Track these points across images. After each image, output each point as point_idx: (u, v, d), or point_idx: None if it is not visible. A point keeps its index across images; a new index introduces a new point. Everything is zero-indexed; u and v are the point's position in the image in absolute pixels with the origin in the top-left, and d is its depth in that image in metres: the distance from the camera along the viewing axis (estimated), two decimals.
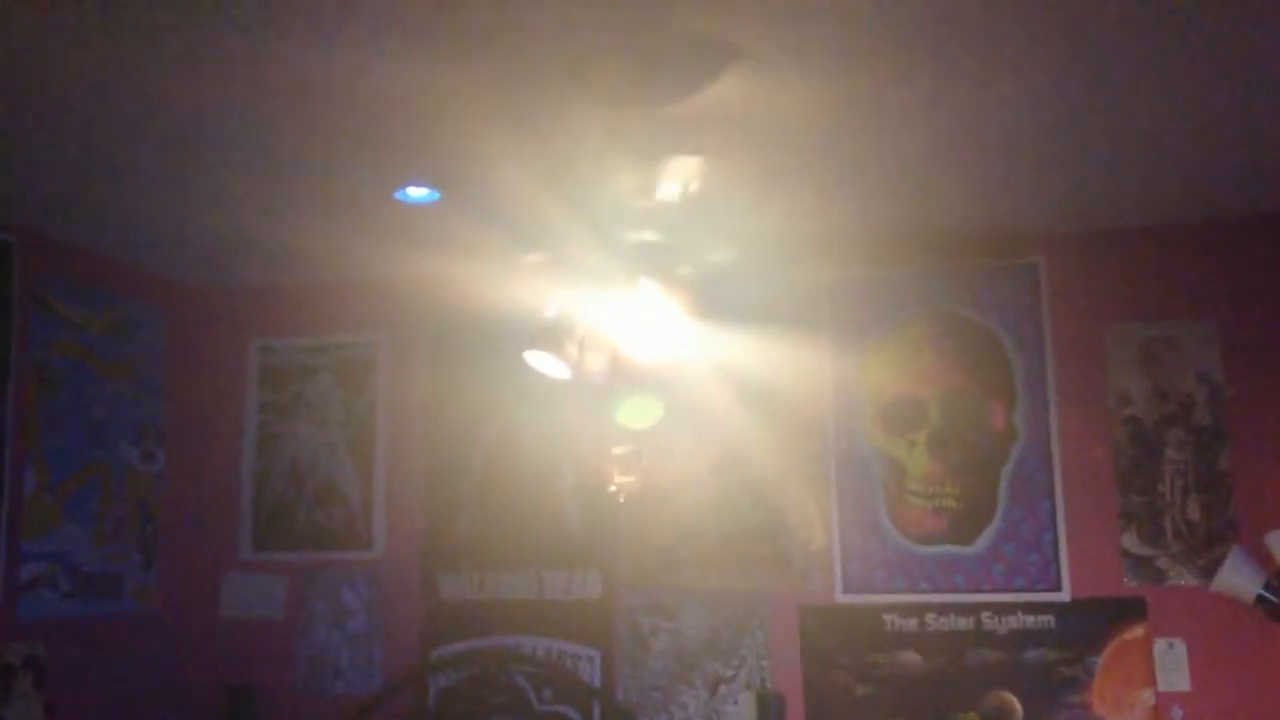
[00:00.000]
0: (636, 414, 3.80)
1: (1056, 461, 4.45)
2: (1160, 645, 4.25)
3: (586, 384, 3.49)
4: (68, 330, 4.57)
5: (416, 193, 4.00)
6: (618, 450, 3.78)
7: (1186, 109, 3.40)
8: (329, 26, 2.79)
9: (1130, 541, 4.35)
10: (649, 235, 3.39)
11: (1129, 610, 4.29)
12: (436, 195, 4.02)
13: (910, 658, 4.45)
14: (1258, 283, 4.38)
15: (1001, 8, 2.77)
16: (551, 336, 3.20)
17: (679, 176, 3.25)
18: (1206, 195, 4.21)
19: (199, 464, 5.21)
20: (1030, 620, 4.36)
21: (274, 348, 5.27)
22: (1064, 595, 4.36)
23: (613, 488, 3.76)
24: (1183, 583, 4.28)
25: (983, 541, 4.47)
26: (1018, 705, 4.32)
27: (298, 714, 4.88)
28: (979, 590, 4.43)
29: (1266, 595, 4.08)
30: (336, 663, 4.95)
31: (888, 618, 4.49)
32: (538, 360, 3.23)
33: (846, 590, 4.57)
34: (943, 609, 4.45)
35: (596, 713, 4.68)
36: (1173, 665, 4.23)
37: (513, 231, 3.95)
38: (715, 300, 3.64)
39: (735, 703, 4.58)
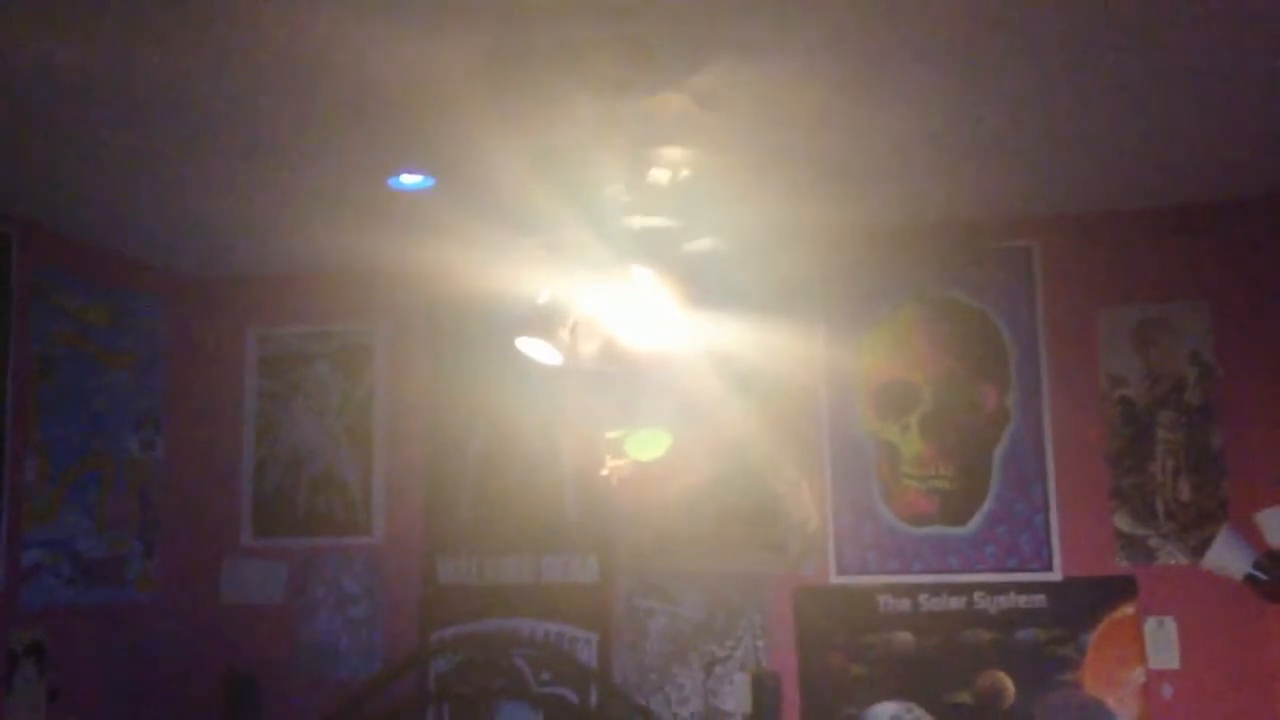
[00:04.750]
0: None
1: (1049, 442, 4.49)
2: (1151, 624, 4.29)
3: (580, 369, 3.52)
4: (67, 320, 4.60)
5: (411, 180, 4.02)
6: (611, 434, 3.82)
7: (1177, 92, 3.41)
8: (322, 13, 2.81)
9: (1122, 521, 4.38)
10: (642, 221, 3.41)
11: (1120, 589, 4.33)
12: (431, 182, 4.04)
13: (904, 638, 4.49)
14: (1249, 264, 4.40)
15: None
16: (543, 322, 3.23)
17: (668, 165, 3.29)
18: (1197, 178, 4.23)
19: (199, 452, 5.24)
20: (1022, 600, 4.40)
21: (272, 336, 5.30)
22: (1056, 575, 4.40)
23: (605, 471, 3.80)
24: (1173, 562, 4.32)
25: (975, 522, 4.51)
26: (1010, 684, 4.36)
27: (298, 698, 4.91)
28: (971, 570, 4.47)
29: (1256, 574, 4.13)
30: (337, 647, 4.99)
31: (881, 598, 4.53)
32: (529, 346, 3.26)
33: (841, 572, 4.60)
34: (936, 589, 4.48)
35: (594, 694, 4.73)
36: (1163, 643, 4.27)
37: (507, 218, 3.97)
38: (709, 286, 3.67)
39: (731, 683, 4.62)
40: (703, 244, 3.55)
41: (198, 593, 5.14)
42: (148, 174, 3.97)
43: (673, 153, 3.52)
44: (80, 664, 4.57)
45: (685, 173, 3.52)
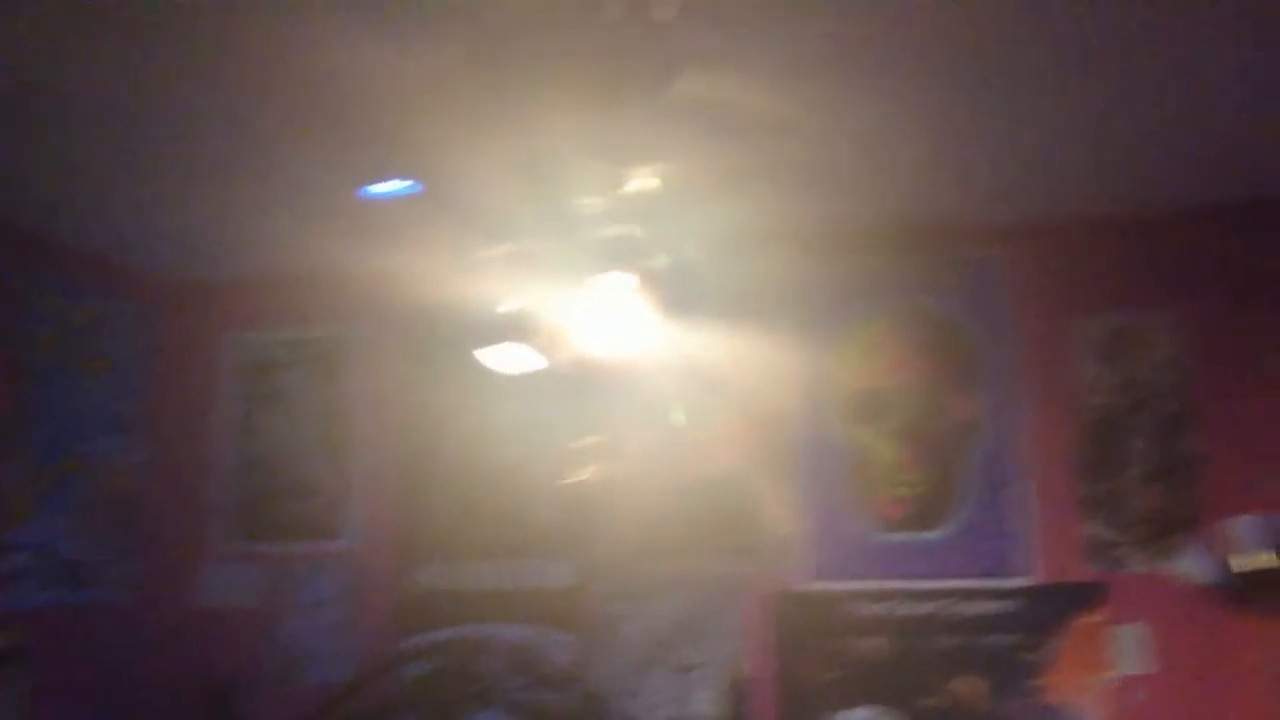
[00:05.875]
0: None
1: (1021, 450, 4.51)
2: (1122, 630, 4.31)
3: (553, 376, 3.54)
4: (48, 323, 4.61)
5: (387, 188, 4.04)
6: (580, 442, 3.84)
7: (1148, 102, 3.45)
8: (303, 22, 2.83)
9: (1093, 528, 4.41)
10: (617, 230, 3.43)
11: (1091, 595, 4.35)
12: (407, 190, 4.05)
13: (876, 643, 4.51)
14: (1221, 272, 4.42)
15: (960, 5, 2.82)
16: (511, 330, 3.25)
17: (644, 174, 3.31)
18: (1168, 186, 4.26)
19: (177, 456, 5.24)
20: (994, 606, 4.42)
21: (250, 341, 5.31)
22: (1028, 581, 4.42)
23: (573, 478, 3.82)
24: (1145, 568, 4.34)
25: (948, 528, 4.53)
26: (982, 689, 4.38)
27: (274, 703, 4.91)
28: (944, 576, 4.49)
29: (1226, 580, 4.15)
30: (312, 652, 4.99)
31: (855, 604, 4.55)
32: (489, 356, 3.28)
33: (815, 577, 4.63)
34: (908, 595, 4.50)
35: (569, 699, 4.73)
36: (1134, 650, 4.29)
37: (482, 226, 3.99)
38: (682, 293, 3.69)
39: (705, 688, 4.63)
40: (676, 253, 3.58)
41: (175, 596, 5.14)
42: (128, 179, 3.98)
43: (648, 162, 3.55)
44: (58, 666, 4.57)
45: (659, 181, 3.54)
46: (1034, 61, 3.16)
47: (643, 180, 3.47)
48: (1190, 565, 4.21)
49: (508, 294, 3.46)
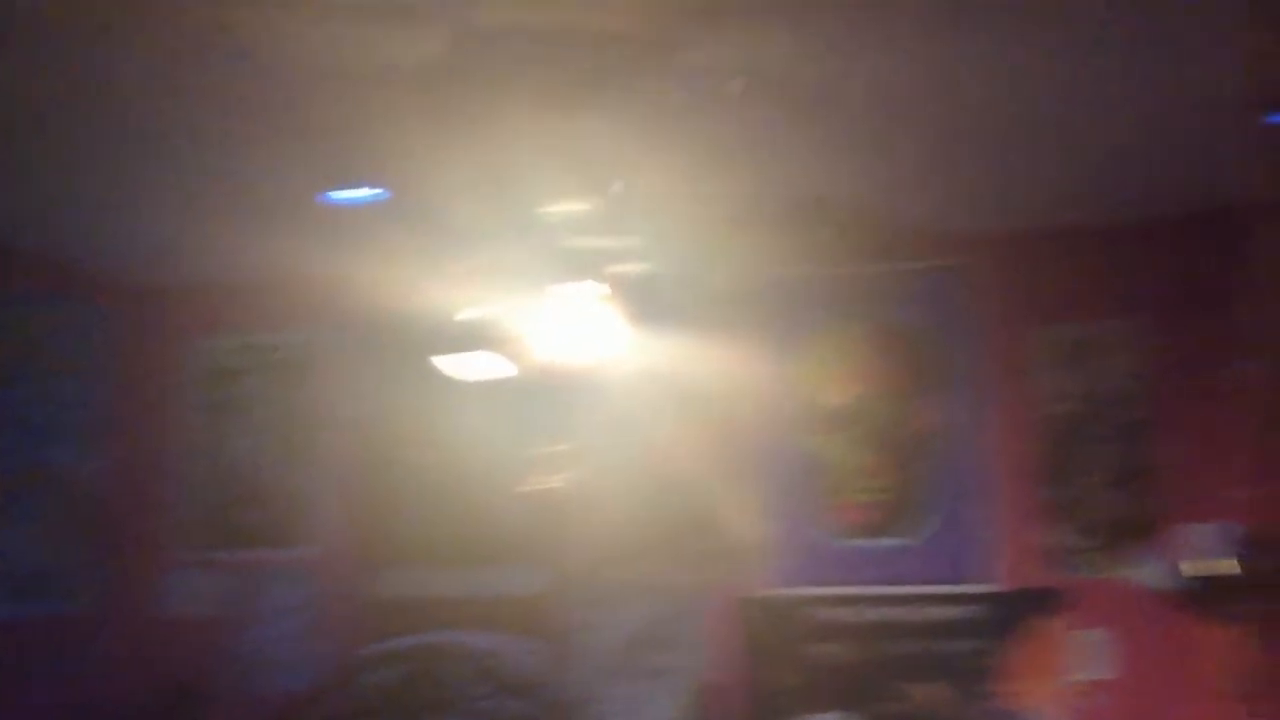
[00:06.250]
0: None
1: (985, 457, 4.55)
2: (1084, 635, 4.35)
3: (521, 383, 3.55)
4: (7, 329, 4.56)
5: (352, 194, 4.03)
6: (546, 449, 3.84)
7: (1108, 114, 3.49)
8: (268, 29, 2.83)
9: (1056, 534, 4.45)
10: (585, 238, 3.44)
11: (1052, 601, 4.39)
12: (372, 197, 4.05)
13: (841, 649, 4.53)
14: (1183, 283, 4.46)
15: (922, 19, 2.85)
16: (474, 338, 3.25)
17: (612, 182, 3.32)
18: (1129, 198, 4.31)
19: (139, 463, 5.20)
20: (956, 611, 4.45)
21: (213, 347, 5.28)
22: (991, 587, 4.46)
23: (537, 485, 3.82)
24: (1106, 575, 4.39)
25: (911, 535, 4.57)
26: (946, 694, 4.41)
27: (236, 711, 4.88)
28: (908, 582, 4.52)
29: (1187, 587, 4.20)
30: (275, 660, 4.96)
31: (820, 610, 4.57)
32: (454, 363, 3.28)
33: (781, 583, 4.65)
34: (873, 601, 4.53)
35: (535, 707, 4.73)
36: (1096, 655, 4.34)
37: (448, 233, 3.98)
38: (650, 302, 3.70)
39: (671, 695, 4.64)
40: (643, 262, 3.59)
41: (138, 605, 5.10)
42: (90, 184, 3.96)
43: (615, 171, 3.56)
44: (18, 678, 4.51)
45: (627, 191, 3.56)
46: (996, 74, 3.19)
47: (610, 189, 3.48)
48: (1150, 572, 4.26)
49: (474, 301, 3.46)
